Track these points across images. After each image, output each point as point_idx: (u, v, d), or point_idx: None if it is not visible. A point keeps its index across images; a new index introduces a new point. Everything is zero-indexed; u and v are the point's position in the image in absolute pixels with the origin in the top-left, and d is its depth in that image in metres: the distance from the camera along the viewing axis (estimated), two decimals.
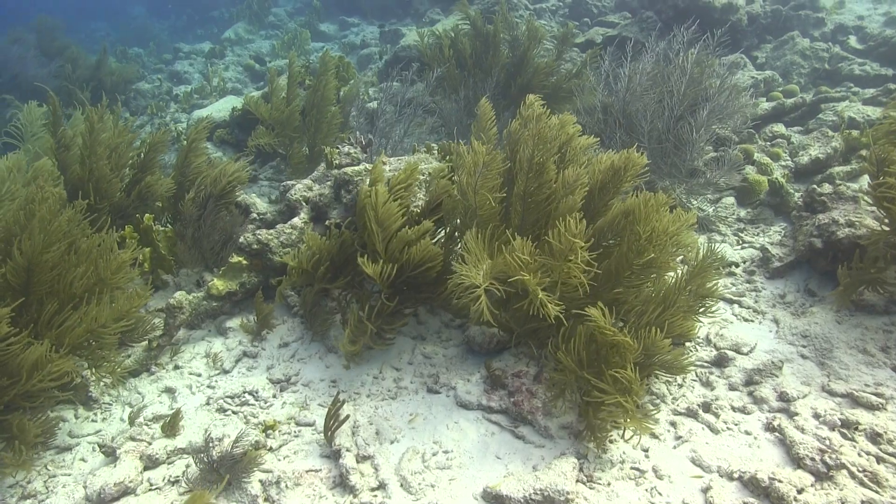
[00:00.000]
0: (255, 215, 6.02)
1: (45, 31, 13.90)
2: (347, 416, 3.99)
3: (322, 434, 4.01)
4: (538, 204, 4.08)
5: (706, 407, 4.03)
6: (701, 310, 3.93)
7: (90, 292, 4.21)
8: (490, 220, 4.11)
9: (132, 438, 4.11)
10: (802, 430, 3.68)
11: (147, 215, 5.69)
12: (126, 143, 5.86)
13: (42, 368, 3.60)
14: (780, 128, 7.59)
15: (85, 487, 3.68)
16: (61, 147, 5.72)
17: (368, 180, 4.84)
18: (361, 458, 3.80)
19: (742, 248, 5.84)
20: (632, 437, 3.77)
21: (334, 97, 7.94)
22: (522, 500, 3.33)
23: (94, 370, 4.19)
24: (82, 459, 4.07)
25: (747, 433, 3.80)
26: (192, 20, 22.78)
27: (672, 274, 4.04)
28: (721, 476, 3.50)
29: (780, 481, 3.26)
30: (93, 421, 4.41)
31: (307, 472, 3.75)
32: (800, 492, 3.25)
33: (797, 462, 3.46)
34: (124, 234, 5.56)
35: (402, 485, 3.61)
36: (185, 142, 6.30)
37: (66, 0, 28.14)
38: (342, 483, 3.65)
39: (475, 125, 4.63)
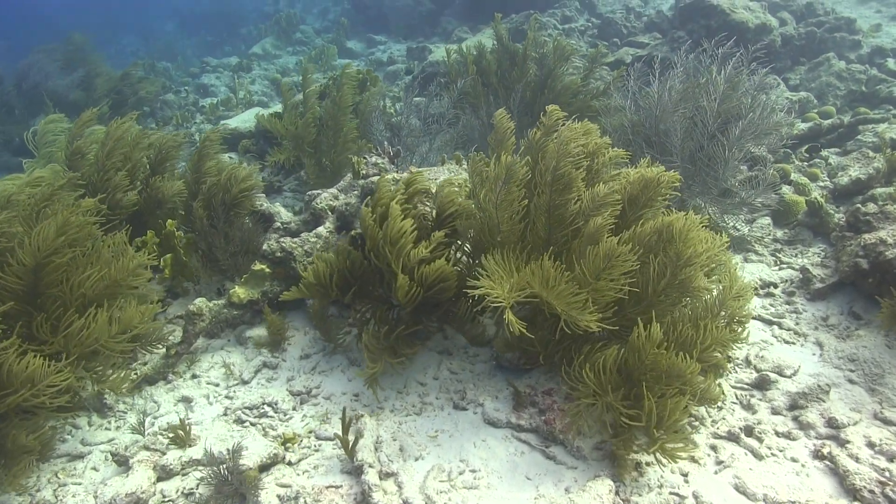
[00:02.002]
0: (278, 224, 5.91)
1: (73, 47, 14.11)
2: (361, 437, 3.82)
3: (343, 449, 3.84)
4: (563, 219, 3.87)
5: (748, 431, 3.81)
6: (734, 336, 3.69)
7: (100, 298, 4.02)
8: (512, 236, 3.92)
9: (146, 448, 3.97)
10: (857, 460, 3.45)
11: (170, 221, 5.61)
12: (140, 149, 5.79)
13: (37, 382, 3.39)
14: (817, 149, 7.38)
15: (95, 497, 3.53)
16: (76, 154, 5.63)
17: (367, 201, 4.74)
18: (385, 475, 3.62)
19: (780, 269, 5.62)
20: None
21: (350, 110, 7.84)
22: None
23: (96, 384, 4.00)
24: (94, 468, 3.93)
25: (794, 460, 3.58)
26: (220, 37, 23.06)
27: (707, 296, 3.83)
28: None
29: None
30: (106, 429, 4.28)
31: (327, 487, 3.58)
32: None
33: (853, 493, 3.23)
34: (146, 239, 5.49)
35: None
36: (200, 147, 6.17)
37: (101, 16, 28.71)
38: (364, 500, 3.47)
39: (492, 138, 4.38)
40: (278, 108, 8.46)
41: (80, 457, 4.01)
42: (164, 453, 3.90)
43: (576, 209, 3.78)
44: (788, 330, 4.78)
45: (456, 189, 4.48)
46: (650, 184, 3.84)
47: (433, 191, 4.77)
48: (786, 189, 6.56)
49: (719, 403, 4.06)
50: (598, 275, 3.35)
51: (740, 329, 3.69)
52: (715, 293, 3.73)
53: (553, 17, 15.38)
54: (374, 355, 4.14)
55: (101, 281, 4.02)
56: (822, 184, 6.73)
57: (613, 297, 3.41)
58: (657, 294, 3.65)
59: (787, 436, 3.76)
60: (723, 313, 3.66)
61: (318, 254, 4.50)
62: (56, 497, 3.65)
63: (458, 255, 4.52)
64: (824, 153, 7.31)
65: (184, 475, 3.78)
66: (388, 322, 4.41)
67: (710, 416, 3.95)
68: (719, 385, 3.57)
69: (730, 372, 4.34)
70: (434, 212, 4.50)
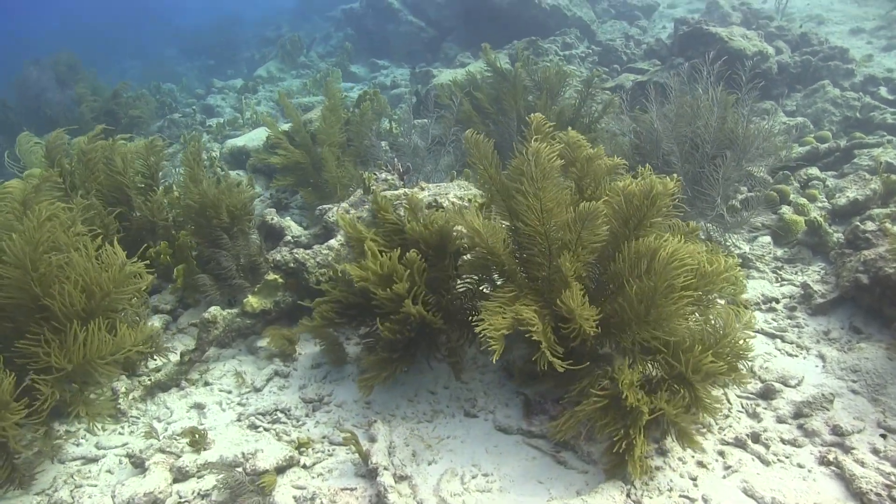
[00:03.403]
0: (289, 238, 6.02)
1: (63, 65, 14.24)
2: (375, 441, 3.88)
3: (357, 454, 3.89)
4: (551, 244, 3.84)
5: (755, 438, 3.88)
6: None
7: (91, 311, 3.80)
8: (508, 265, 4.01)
9: (161, 451, 4.02)
10: (863, 464, 3.53)
11: (182, 232, 5.71)
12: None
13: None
14: (814, 171, 7.56)
15: (113, 497, 3.58)
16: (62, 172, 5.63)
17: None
18: (399, 478, 3.67)
19: (781, 286, 5.73)
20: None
21: (341, 128, 7.95)
22: None
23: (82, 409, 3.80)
24: (109, 471, 3.97)
25: (800, 466, 3.65)
26: (222, 60, 23.36)
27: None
28: None
29: None
30: (119, 434, 4.33)
31: (343, 489, 3.63)
32: None
33: (860, 497, 3.31)
34: (159, 250, 5.58)
35: None
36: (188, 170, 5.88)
37: (100, 41, 29.07)
38: (379, 502, 3.53)
39: (470, 159, 4.31)
40: (285, 127, 8.58)
41: (95, 460, 4.05)
42: (179, 456, 3.95)
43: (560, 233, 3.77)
44: (791, 343, 4.87)
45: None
46: (646, 201, 3.77)
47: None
48: (785, 209, 6.71)
49: (725, 412, 4.14)
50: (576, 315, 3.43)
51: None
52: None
53: (554, 43, 15.68)
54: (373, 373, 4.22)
55: (91, 291, 3.83)
56: (820, 205, 6.89)
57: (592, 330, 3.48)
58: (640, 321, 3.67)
59: (793, 443, 3.83)
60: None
61: (321, 301, 4.54)
62: (73, 497, 3.69)
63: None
64: (822, 175, 7.48)
65: (199, 477, 3.82)
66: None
67: (716, 424, 4.03)
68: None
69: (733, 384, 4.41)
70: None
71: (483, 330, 3.41)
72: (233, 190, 5.70)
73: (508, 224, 4.25)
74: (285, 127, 8.57)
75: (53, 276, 3.76)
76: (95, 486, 3.83)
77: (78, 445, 4.16)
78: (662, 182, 3.71)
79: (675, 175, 3.91)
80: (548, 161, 3.67)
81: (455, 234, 4.28)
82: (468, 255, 4.41)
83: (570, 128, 4.23)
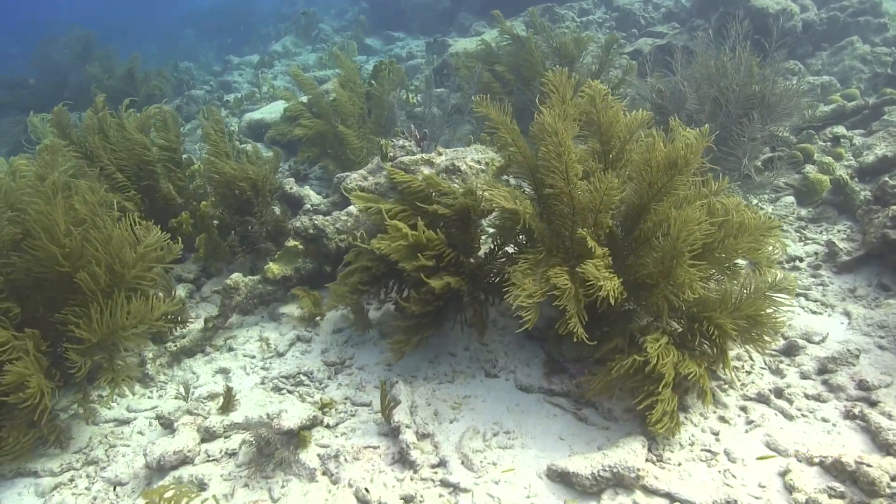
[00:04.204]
0: (308, 206, 6.04)
1: (78, 43, 14.23)
2: (400, 390, 3.91)
3: (379, 414, 3.94)
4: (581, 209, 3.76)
5: (778, 393, 3.86)
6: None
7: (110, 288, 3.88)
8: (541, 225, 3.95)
9: (189, 412, 4.10)
10: (890, 417, 3.49)
11: (203, 203, 5.76)
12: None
13: (24, 389, 3.46)
14: (840, 129, 7.37)
15: (145, 455, 3.67)
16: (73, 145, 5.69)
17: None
18: (421, 436, 3.71)
19: (805, 245, 5.64)
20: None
21: (360, 107, 7.89)
22: (590, 477, 3.20)
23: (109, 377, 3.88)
24: (140, 432, 4.08)
25: (824, 420, 3.62)
26: (240, 38, 23.31)
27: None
28: (800, 461, 3.33)
29: (869, 466, 3.08)
30: (149, 398, 4.43)
31: (366, 447, 3.68)
32: (893, 479, 3.05)
33: (886, 448, 3.28)
34: (181, 220, 5.64)
35: (462, 462, 3.52)
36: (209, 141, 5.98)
37: (118, 25, 29.10)
38: (402, 459, 3.57)
39: (490, 123, 4.20)
40: (303, 99, 8.56)
41: (127, 422, 4.17)
42: (206, 417, 4.03)
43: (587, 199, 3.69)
44: (815, 301, 4.80)
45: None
46: (678, 162, 3.72)
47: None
48: (809, 168, 6.57)
49: (748, 368, 4.11)
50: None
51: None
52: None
53: (570, 9, 15.41)
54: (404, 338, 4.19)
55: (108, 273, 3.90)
56: (846, 163, 6.73)
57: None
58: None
59: (817, 398, 3.80)
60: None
61: (347, 271, 4.50)
62: (108, 456, 3.82)
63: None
64: (848, 133, 7.30)
65: (226, 437, 3.90)
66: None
67: (739, 380, 4.00)
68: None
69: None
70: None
71: (515, 299, 3.38)
72: (258, 162, 5.77)
73: (530, 186, 4.22)
74: (303, 99, 8.54)
75: (80, 252, 3.86)
76: (128, 445, 3.95)
77: (110, 409, 4.27)
78: (688, 147, 3.63)
79: (706, 127, 3.81)
80: (571, 120, 3.63)
81: (481, 202, 4.21)
82: (491, 218, 4.39)
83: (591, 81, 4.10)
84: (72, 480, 3.71)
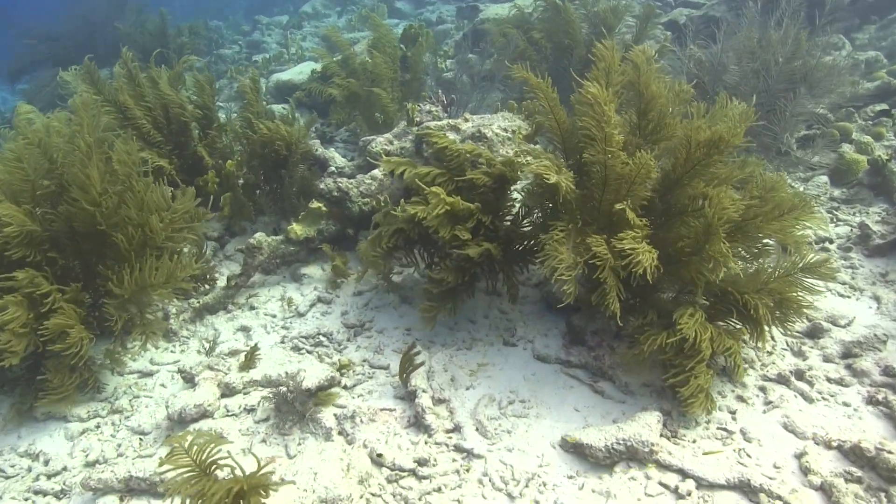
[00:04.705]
0: (333, 169, 6.03)
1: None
2: (423, 362, 3.92)
3: (396, 377, 3.97)
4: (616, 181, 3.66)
5: (799, 375, 3.80)
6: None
7: (141, 249, 4.03)
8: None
9: (210, 368, 4.17)
10: None
11: (229, 162, 5.77)
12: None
13: (66, 339, 3.61)
14: (883, 107, 7.13)
15: (167, 408, 3.75)
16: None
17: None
18: (437, 401, 3.74)
19: (836, 226, 5.51)
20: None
21: (396, 63, 7.77)
22: (604, 450, 3.21)
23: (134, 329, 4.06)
24: (162, 385, 4.17)
25: (846, 404, 3.57)
26: None
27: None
28: (817, 444, 3.30)
29: (890, 452, 3.03)
30: (172, 352, 4.51)
31: (382, 410, 3.72)
32: None
33: None
34: (207, 178, 5.67)
35: (477, 429, 3.54)
36: (246, 100, 6.10)
37: None
38: (417, 423, 3.61)
39: (529, 89, 4.07)
40: (334, 60, 8.48)
41: (150, 374, 4.25)
42: (226, 373, 4.10)
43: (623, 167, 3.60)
44: (843, 284, 4.70)
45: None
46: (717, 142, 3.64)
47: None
48: (846, 147, 6.38)
49: (769, 349, 4.06)
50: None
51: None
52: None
53: None
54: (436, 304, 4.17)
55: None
56: (887, 143, 6.53)
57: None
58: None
59: (840, 381, 3.74)
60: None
61: (377, 234, 4.37)
62: (131, 406, 3.93)
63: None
64: (893, 112, 7.06)
65: (245, 393, 3.97)
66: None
67: (759, 360, 3.95)
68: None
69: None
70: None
71: (552, 270, 3.32)
72: (292, 123, 5.79)
73: (561, 153, 4.15)
74: (323, 64, 8.48)
75: (116, 211, 3.96)
76: (151, 397, 4.05)
77: (134, 361, 4.36)
78: (731, 129, 3.54)
79: (751, 110, 3.72)
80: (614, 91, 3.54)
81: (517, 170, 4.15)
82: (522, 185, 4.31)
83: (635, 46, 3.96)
84: (98, 427, 3.82)
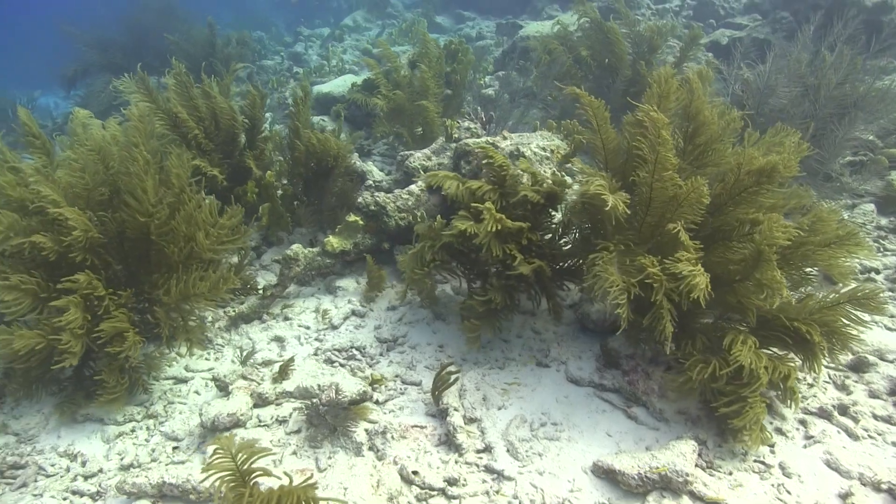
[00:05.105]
0: (370, 182, 6.08)
1: (161, 5, 14.42)
2: (457, 378, 3.91)
3: (428, 394, 3.96)
4: (663, 203, 3.65)
5: (842, 410, 3.69)
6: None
7: (188, 261, 4.18)
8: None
9: (244, 377, 4.21)
10: None
11: (269, 173, 5.86)
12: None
13: (121, 342, 3.72)
14: None
15: (201, 415, 3.79)
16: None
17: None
18: (468, 420, 3.72)
19: (883, 256, 5.36)
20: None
21: (441, 79, 7.82)
22: (636, 477, 3.15)
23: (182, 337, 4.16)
24: (196, 392, 4.21)
25: (895, 444, 3.45)
26: (310, 10, 23.52)
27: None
28: (864, 484, 3.18)
29: None
30: (206, 359, 4.56)
31: (413, 427, 3.71)
32: None
33: None
34: (246, 188, 5.76)
35: (508, 450, 3.51)
36: (295, 110, 6.13)
37: None
38: (448, 441, 3.59)
39: (581, 109, 4.01)
40: (364, 77, 8.60)
41: (185, 381, 4.31)
42: (259, 383, 4.14)
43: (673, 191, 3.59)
44: (892, 317, 4.57)
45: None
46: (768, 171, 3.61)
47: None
48: (895, 175, 6.23)
49: (809, 381, 3.95)
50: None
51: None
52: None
53: None
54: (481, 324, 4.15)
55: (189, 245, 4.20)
56: None
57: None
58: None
59: (888, 419, 3.62)
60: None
61: (419, 249, 4.36)
62: (166, 412, 3.97)
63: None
64: None
65: (277, 404, 4.00)
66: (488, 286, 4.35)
67: (799, 392, 3.85)
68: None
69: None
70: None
71: (604, 292, 3.29)
72: (339, 138, 5.91)
73: (607, 173, 4.13)
74: (364, 78, 8.57)
75: (167, 223, 4.09)
76: (185, 403, 4.09)
77: (170, 367, 4.42)
78: (785, 161, 3.50)
79: (805, 145, 3.69)
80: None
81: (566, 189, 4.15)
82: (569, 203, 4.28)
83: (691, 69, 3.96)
84: (133, 431, 3.88)
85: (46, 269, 3.80)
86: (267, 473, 2.54)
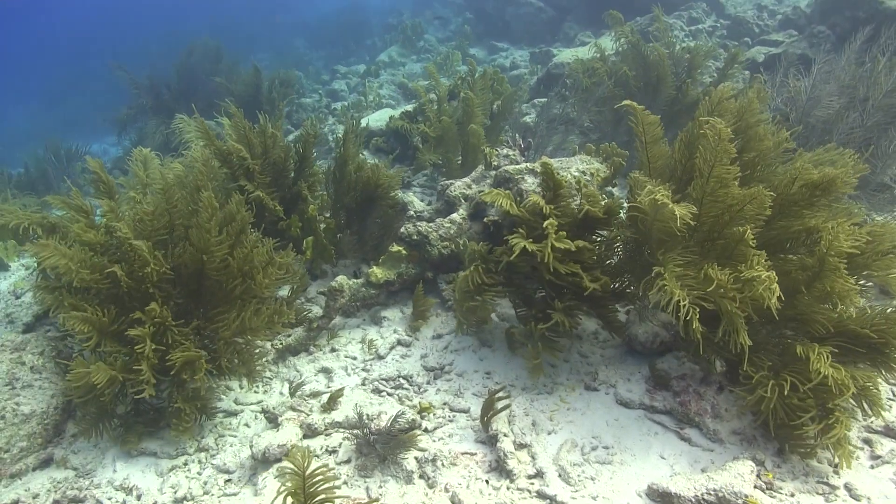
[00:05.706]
0: (412, 213, 6.17)
1: (207, 52, 15.00)
2: (507, 404, 3.90)
3: (476, 421, 3.96)
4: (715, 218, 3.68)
5: None
6: None
7: (244, 296, 4.35)
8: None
9: (293, 409, 4.27)
10: None
11: (311, 207, 5.99)
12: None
13: (192, 370, 3.89)
14: None
15: (251, 447, 3.85)
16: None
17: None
18: (518, 446, 3.70)
19: None
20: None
21: (485, 111, 7.94)
22: (693, 500, 3.08)
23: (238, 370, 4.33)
24: (246, 425, 4.28)
25: None
26: (347, 49, 24.13)
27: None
28: None
29: None
30: (255, 392, 4.64)
31: (463, 454, 3.71)
32: None
33: None
34: (290, 222, 5.90)
35: (560, 475, 3.47)
36: (341, 145, 6.38)
37: (237, 34, 30.71)
38: (499, 468, 3.57)
39: (637, 130, 4.13)
40: (407, 108, 8.78)
41: (234, 414, 4.38)
42: (308, 414, 4.19)
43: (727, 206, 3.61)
44: None
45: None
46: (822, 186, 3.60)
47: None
48: None
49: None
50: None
51: None
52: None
53: (679, 18, 14.96)
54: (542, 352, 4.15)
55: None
56: None
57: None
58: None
59: None
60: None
61: (468, 276, 4.32)
62: (217, 444, 4.04)
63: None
64: None
65: (327, 435, 4.04)
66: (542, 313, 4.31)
67: (860, 410, 3.73)
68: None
69: None
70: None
71: (675, 309, 3.24)
72: (387, 171, 6.15)
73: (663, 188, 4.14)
74: (409, 108, 8.76)
75: (225, 262, 4.28)
76: (235, 436, 4.16)
77: (220, 401, 4.51)
78: (843, 176, 3.51)
79: (863, 166, 3.70)
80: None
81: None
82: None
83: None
84: (185, 464, 3.95)
85: (111, 303, 3.97)
86: (329, 499, 2.57)
